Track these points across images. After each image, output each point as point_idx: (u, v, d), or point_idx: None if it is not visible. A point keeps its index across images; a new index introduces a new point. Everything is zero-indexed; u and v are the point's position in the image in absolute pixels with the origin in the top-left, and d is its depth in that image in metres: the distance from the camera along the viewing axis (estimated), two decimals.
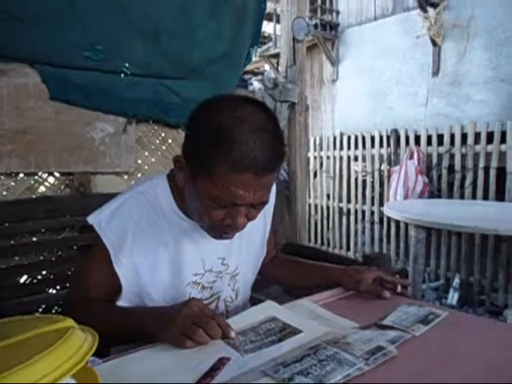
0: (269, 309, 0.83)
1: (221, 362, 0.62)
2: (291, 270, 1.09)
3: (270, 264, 1.10)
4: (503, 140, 3.41)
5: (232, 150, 0.66)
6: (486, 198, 3.49)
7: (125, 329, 0.76)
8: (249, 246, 0.95)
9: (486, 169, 3.48)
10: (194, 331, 0.67)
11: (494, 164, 3.44)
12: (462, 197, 3.66)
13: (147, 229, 0.81)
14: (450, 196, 3.75)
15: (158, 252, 0.82)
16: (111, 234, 0.79)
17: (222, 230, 0.77)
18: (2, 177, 1.47)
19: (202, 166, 0.70)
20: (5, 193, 1.47)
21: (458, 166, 3.68)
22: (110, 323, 0.76)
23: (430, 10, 4.14)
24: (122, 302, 0.83)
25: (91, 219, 0.81)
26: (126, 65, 1.63)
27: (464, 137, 3.65)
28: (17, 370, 0.39)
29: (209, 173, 0.69)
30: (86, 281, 0.85)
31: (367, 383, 0.58)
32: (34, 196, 1.54)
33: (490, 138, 3.50)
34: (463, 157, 3.65)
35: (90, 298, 0.83)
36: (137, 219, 0.81)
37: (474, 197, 3.58)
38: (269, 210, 0.99)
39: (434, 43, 4.22)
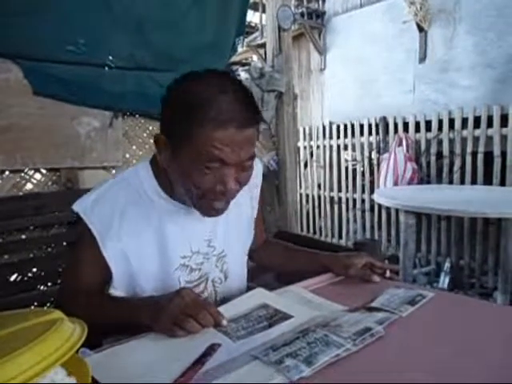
0: (259, 296, 0.84)
1: (212, 349, 0.63)
2: (281, 255, 1.10)
3: (261, 249, 1.11)
4: (490, 124, 3.45)
5: (210, 110, 0.69)
6: (474, 182, 3.53)
7: (117, 321, 0.76)
8: (236, 227, 0.96)
9: (474, 153, 3.52)
10: (185, 321, 0.68)
11: (481, 149, 3.47)
12: (450, 182, 3.70)
13: (133, 213, 0.81)
14: (439, 181, 3.78)
15: (144, 236, 0.82)
16: (96, 220, 0.80)
17: (213, 198, 0.76)
18: None
19: (183, 134, 0.71)
20: None
21: (446, 151, 3.71)
22: (103, 316, 0.77)
23: None
24: (113, 289, 0.83)
25: (76, 207, 0.81)
26: (110, 58, 1.61)
27: (451, 122, 3.68)
28: (4, 360, 0.39)
29: (192, 138, 0.70)
30: (77, 270, 0.85)
31: (355, 363, 0.59)
32: (20, 193, 1.52)
33: (477, 122, 3.53)
34: (451, 142, 3.67)
35: (82, 290, 0.83)
36: (122, 204, 0.81)
37: (462, 181, 3.62)
38: (255, 191, 1.00)
39: (421, 29, 4.22)
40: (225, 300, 0.92)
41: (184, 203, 0.84)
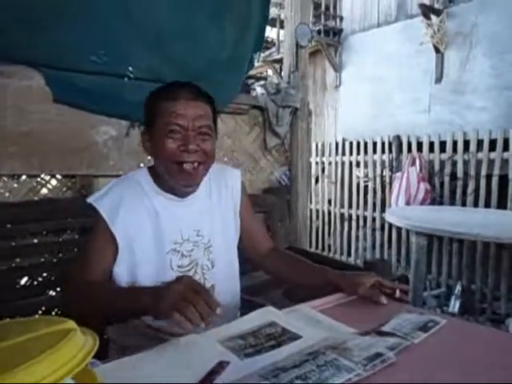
0: (268, 314, 0.84)
1: (220, 366, 0.62)
2: (291, 265, 1.12)
3: (268, 256, 1.16)
4: (506, 147, 3.41)
5: (166, 91, 0.94)
6: (487, 205, 3.48)
7: (119, 307, 0.84)
8: (221, 223, 1.07)
9: (489, 176, 3.48)
10: (186, 307, 0.70)
11: (496, 171, 3.43)
12: (463, 204, 3.66)
13: (132, 202, 0.97)
14: (452, 203, 3.74)
15: (142, 220, 0.97)
16: (106, 206, 0.95)
17: (181, 160, 0.92)
18: (5, 178, 1.48)
19: (150, 113, 0.95)
20: (7, 194, 1.48)
21: (460, 173, 3.68)
22: (105, 302, 0.86)
23: (433, 18, 4.15)
24: (116, 267, 0.94)
25: (89, 199, 0.96)
26: (130, 69, 1.64)
27: (466, 144, 3.65)
28: (17, 370, 0.39)
29: (155, 114, 0.93)
30: (87, 259, 0.96)
31: None
32: (36, 198, 1.54)
33: (492, 145, 3.50)
34: (465, 164, 3.64)
35: (87, 280, 0.93)
36: (124, 196, 0.97)
37: (475, 204, 3.57)
38: (235, 195, 1.11)
39: (437, 50, 4.24)
40: (214, 286, 1.04)
41: (173, 194, 0.99)
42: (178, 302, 0.71)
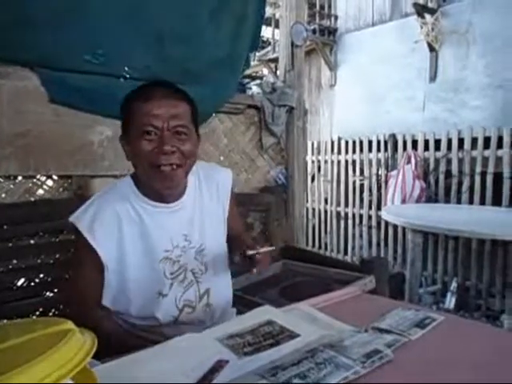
0: (266, 312, 0.84)
1: (219, 365, 0.63)
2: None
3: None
4: (500, 145, 3.43)
5: (139, 92, 0.92)
6: (482, 203, 3.51)
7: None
8: (211, 227, 1.05)
9: (483, 174, 3.50)
10: None
11: (490, 169, 3.45)
12: (458, 201, 3.67)
13: (116, 216, 0.93)
14: (447, 201, 3.76)
15: (130, 234, 0.93)
16: (85, 222, 0.91)
17: (158, 163, 0.88)
18: (1, 179, 1.47)
19: (125, 115, 0.93)
20: (3, 195, 1.47)
21: (455, 170, 3.69)
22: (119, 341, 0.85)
23: (428, 16, 4.17)
24: (107, 291, 0.93)
25: (70, 218, 0.94)
26: (126, 69, 1.63)
27: (461, 142, 3.67)
28: (16, 372, 0.39)
29: (129, 115, 0.90)
30: (78, 280, 0.96)
31: None
32: (32, 199, 1.53)
33: (486, 143, 3.52)
34: (460, 162, 3.66)
35: (87, 306, 0.93)
36: (107, 209, 0.93)
37: (470, 202, 3.59)
38: (225, 200, 1.09)
39: (432, 49, 4.25)
40: (209, 289, 1.02)
41: (159, 200, 0.96)
42: None
